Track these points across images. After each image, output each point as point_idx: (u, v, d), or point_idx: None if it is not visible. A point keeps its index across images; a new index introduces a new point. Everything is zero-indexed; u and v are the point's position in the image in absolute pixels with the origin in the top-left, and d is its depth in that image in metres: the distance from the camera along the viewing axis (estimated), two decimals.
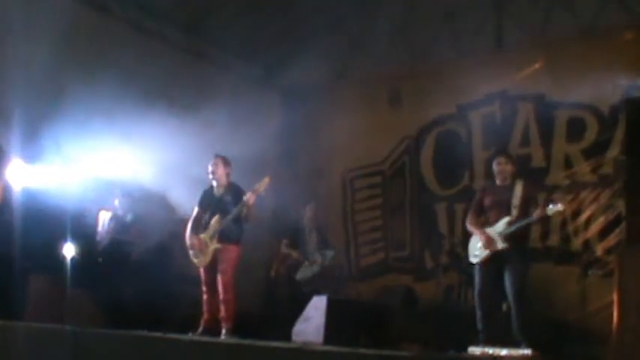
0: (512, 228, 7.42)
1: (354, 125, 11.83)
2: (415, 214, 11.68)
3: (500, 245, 7.42)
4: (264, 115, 12.00)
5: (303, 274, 9.76)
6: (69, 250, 9.21)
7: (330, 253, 9.76)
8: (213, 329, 8.08)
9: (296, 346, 6.32)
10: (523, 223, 7.42)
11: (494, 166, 7.73)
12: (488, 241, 7.51)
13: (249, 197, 7.98)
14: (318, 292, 8.71)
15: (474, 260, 7.67)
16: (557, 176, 10.16)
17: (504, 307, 8.17)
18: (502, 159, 7.74)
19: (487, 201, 7.71)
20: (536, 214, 7.38)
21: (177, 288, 9.81)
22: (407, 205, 11.82)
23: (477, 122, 11.25)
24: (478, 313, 7.52)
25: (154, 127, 9.32)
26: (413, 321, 9.28)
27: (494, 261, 7.50)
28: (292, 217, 11.30)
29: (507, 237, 7.44)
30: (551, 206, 7.32)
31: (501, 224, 7.48)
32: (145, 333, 6.96)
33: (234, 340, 7.15)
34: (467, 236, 9.79)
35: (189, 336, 7.48)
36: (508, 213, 7.49)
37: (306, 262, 9.80)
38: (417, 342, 8.45)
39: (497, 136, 10.86)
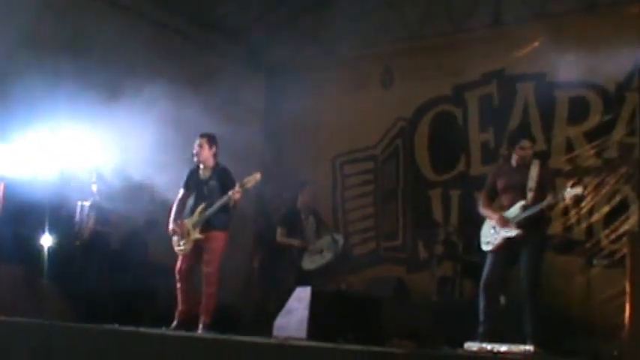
0: (527, 213, 7.27)
1: (344, 107, 11.89)
2: (408, 201, 11.65)
3: (514, 232, 7.28)
4: (247, 96, 11.98)
5: (313, 263, 9.55)
6: (46, 241, 9.15)
7: (340, 240, 9.61)
8: (188, 323, 8.00)
9: (277, 342, 6.29)
10: (538, 207, 7.26)
11: (517, 150, 7.50)
12: (503, 222, 7.35)
13: (234, 193, 7.90)
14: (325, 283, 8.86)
15: (485, 247, 7.54)
16: (559, 160, 9.95)
17: (502, 299, 8.18)
18: (527, 143, 7.54)
19: (500, 183, 7.57)
20: (550, 198, 7.24)
21: (156, 280, 9.73)
22: (399, 191, 11.79)
23: (474, 104, 11.16)
24: (481, 304, 7.39)
25: (132, 110, 9.26)
26: (405, 315, 9.19)
27: (508, 249, 7.37)
28: (279, 203, 11.31)
29: (521, 223, 7.30)
30: (568, 189, 7.18)
31: (515, 209, 7.35)
32: (115, 327, 6.92)
33: (210, 335, 7.05)
34: (463, 225, 10.19)
35: (163, 330, 7.43)
36: (523, 197, 7.35)
37: (311, 251, 9.61)
38: (409, 337, 8.35)
39: (495, 118, 10.82)
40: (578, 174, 9.68)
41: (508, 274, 7.49)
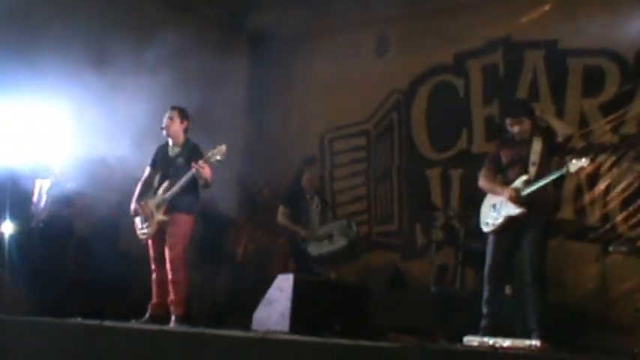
0: (530, 188, 7.13)
1: (334, 77, 11.86)
2: (404, 181, 11.59)
3: (516, 210, 7.15)
4: (229, 65, 11.73)
5: (322, 248, 9.24)
6: (7, 228, 9.02)
7: (355, 226, 9.36)
8: (162, 316, 7.96)
9: (256, 336, 6.23)
10: (542, 182, 7.11)
11: (509, 126, 7.48)
12: (514, 197, 7.17)
13: (197, 169, 7.79)
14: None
15: (485, 229, 7.43)
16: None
17: (508, 290, 8.21)
18: (510, 121, 7.47)
19: (505, 157, 7.47)
20: (555, 172, 7.14)
21: (128, 269, 9.75)
22: (394, 171, 11.75)
23: (477, 74, 11.10)
24: (485, 293, 7.26)
25: (101, 79, 9.25)
26: (399, 307, 9.12)
27: (510, 231, 7.24)
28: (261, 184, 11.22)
29: (525, 200, 7.15)
30: (574, 161, 7.01)
31: (518, 184, 7.23)
32: (78, 321, 6.94)
33: (183, 329, 6.99)
34: (464, 208, 10.06)
35: (132, 324, 7.48)
36: (526, 171, 7.24)
37: (313, 237, 9.33)
38: (403, 331, 8.24)
39: (501, 89, 10.76)
40: (592, 151, 9.46)
41: (512, 260, 7.36)
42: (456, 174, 11.03)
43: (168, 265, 7.93)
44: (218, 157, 7.84)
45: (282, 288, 7.81)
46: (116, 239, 10.17)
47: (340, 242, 9.10)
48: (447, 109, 11.29)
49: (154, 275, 8.14)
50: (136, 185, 8.53)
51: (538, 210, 7.16)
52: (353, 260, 9.69)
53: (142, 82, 9.32)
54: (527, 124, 7.35)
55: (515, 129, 7.37)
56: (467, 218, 9.82)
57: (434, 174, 11.31)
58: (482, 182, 7.59)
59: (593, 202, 9.82)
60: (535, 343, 6.63)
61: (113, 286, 9.49)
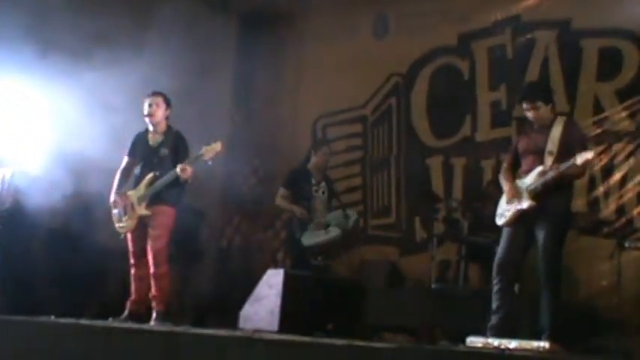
0: (543, 180, 7.06)
1: (329, 60, 11.90)
2: (403, 170, 11.56)
3: (526, 204, 7.11)
4: (217, 46, 12.00)
5: (313, 239, 9.14)
6: None
7: (353, 215, 9.25)
8: (142, 314, 8.05)
9: (243, 335, 6.32)
10: (549, 175, 7.01)
11: (525, 112, 7.41)
12: (513, 192, 7.22)
13: (182, 171, 7.82)
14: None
15: (499, 221, 7.38)
16: (584, 123, 9.61)
17: (516, 288, 7.99)
18: (526, 105, 7.32)
19: (521, 146, 7.41)
20: (563, 165, 6.96)
21: (105, 264, 9.74)
22: (392, 159, 11.72)
23: (483, 56, 11.02)
24: (494, 288, 7.17)
25: (79, 60, 9.23)
26: (398, 305, 9.11)
27: (523, 225, 7.18)
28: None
29: (538, 192, 7.07)
30: (581, 153, 6.87)
31: (532, 176, 7.16)
32: (52, 320, 7.01)
33: (163, 328, 6.98)
34: (468, 199, 10.25)
35: (110, 322, 7.55)
36: (541, 161, 7.16)
37: (316, 224, 9.22)
38: (402, 331, 8.34)
39: (508, 73, 10.67)
40: (607, 139, 9.65)
41: (525, 256, 7.28)
42: (458, 163, 10.97)
43: (150, 259, 7.97)
44: (211, 155, 7.86)
45: (271, 284, 7.77)
46: (90, 231, 10.01)
47: (333, 233, 9.00)
48: (449, 93, 11.19)
49: (132, 270, 8.16)
50: (111, 175, 8.59)
51: (553, 203, 7.07)
52: (344, 253, 9.56)
53: (125, 65, 9.30)
54: (544, 109, 7.23)
55: (531, 115, 7.26)
56: (470, 210, 9.83)
57: (435, 163, 11.25)
58: (502, 174, 7.54)
59: (607, 193, 9.74)
60: (544, 344, 6.54)
61: (88, 282, 9.49)
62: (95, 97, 9.29)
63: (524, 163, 7.30)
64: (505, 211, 7.28)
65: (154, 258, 7.95)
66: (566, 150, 7.04)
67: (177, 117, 8.41)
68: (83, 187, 9.71)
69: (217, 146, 7.86)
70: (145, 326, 7.28)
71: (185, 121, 8.43)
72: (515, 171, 7.41)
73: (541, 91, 7.50)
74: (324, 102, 12.23)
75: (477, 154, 10.70)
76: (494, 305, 7.13)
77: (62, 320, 6.82)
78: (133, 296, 8.11)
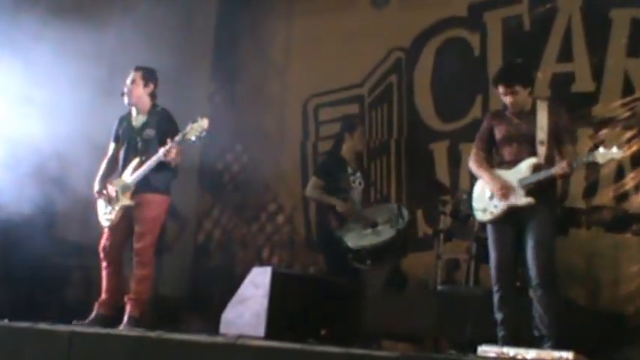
0: (539, 176, 7.08)
1: (321, 32, 11.93)
2: (404, 157, 11.53)
3: (522, 200, 7.10)
4: (195, 16, 12.23)
5: (365, 240, 8.95)
6: None
7: (406, 213, 9.12)
8: (111, 317, 8.05)
9: (225, 341, 6.39)
10: (555, 172, 7.02)
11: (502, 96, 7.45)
12: (505, 191, 7.19)
13: (167, 152, 7.83)
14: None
15: (482, 217, 7.44)
16: (611, 105, 9.82)
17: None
18: (502, 89, 7.34)
19: (499, 132, 7.40)
20: (564, 165, 6.96)
21: (67, 260, 9.93)
22: (393, 144, 11.68)
23: (496, 28, 10.97)
24: (496, 296, 7.21)
25: (46, 37, 9.44)
26: (399, 308, 9.02)
27: (514, 219, 7.20)
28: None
29: (531, 188, 7.10)
30: (601, 150, 6.93)
31: (524, 168, 7.16)
32: (5, 323, 7.14)
33: (136, 332, 7.10)
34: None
35: (74, 325, 7.48)
36: (531, 151, 7.17)
37: (355, 220, 9.06)
38: (403, 338, 8.40)
39: (525, 47, 10.58)
40: (638, 123, 9.59)
41: (519, 254, 7.32)
42: (467, 149, 10.38)
43: (135, 258, 7.98)
44: (198, 134, 7.84)
45: (257, 283, 7.73)
46: (52, 223, 10.23)
47: (386, 233, 8.80)
48: (458, 70, 11.10)
49: (104, 269, 8.17)
50: (74, 163, 8.94)
51: (544, 197, 7.13)
52: (400, 258, 9.49)
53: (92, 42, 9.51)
54: (522, 94, 7.25)
55: (508, 100, 7.27)
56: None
57: (440, 148, 11.23)
58: (471, 163, 7.56)
59: (638, 186, 9.72)
60: (567, 355, 6.52)
61: (47, 280, 9.60)
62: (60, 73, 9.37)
63: (506, 152, 7.31)
64: (490, 206, 7.28)
65: (139, 257, 7.97)
66: (556, 138, 7.16)
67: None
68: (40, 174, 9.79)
69: (204, 123, 7.84)
70: (113, 331, 7.29)
71: (160, 99, 8.44)
72: (489, 158, 7.47)
73: (519, 73, 7.48)
74: (315, 80, 12.19)
75: None
76: (499, 316, 7.15)
77: (18, 324, 6.87)
78: (102, 296, 8.11)
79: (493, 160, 7.53)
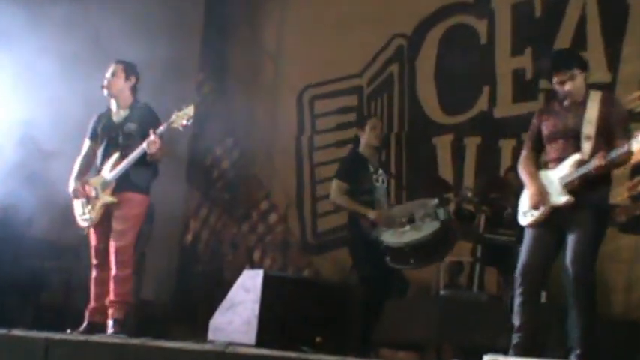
0: (582, 171, 6.90)
1: (318, 17, 12.08)
2: (405, 152, 11.60)
3: (561, 199, 6.94)
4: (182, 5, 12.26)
5: (405, 236, 8.74)
6: None
7: (443, 211, 8.97)
8: (104, 324, 8.02)
9: (214, 349, 6.34)
10: (592, 166, 6.83)
11: (554, 85, 7.19)
12: (536, 198, 7.06)
13: (149, 144, 7.81)
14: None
15: (522, 221, 7.23)
16: (629, 97, 9.36)
17: (542, 296, 8.00)
18: (561, 75, 7.10)
19: (546, 128, 7.20)
20: (613, 153, 6.79)
21: (43, 260, 9.90)
22: (393, 139, 11.73)
23: (505, 14, 10.97)
24: (517, 300, 7.04)
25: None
26: (399, 314, 8.92)
27: (555, 224, 7.02)
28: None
29: (575, 186, 6.94)
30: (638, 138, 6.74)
31: (567, 166, 7.00)
32: None
33: (117, 340, 7.07)
34: (484, 187, 10.01)
35: (68, 335, 7.49)
36: (577, 147, 6.95)
37: (387, 219, 8.92)
38: (404, 347, 8.47)
39: (536, 34, 10.62)
40: None
41: (553, 260, 7.18)
42: (472, 143, 10.95)
43: (112, 257, 7.98)
44: (184, 122, 7.88)
45: (247, 287, 7.74)
46: (29, 223, 10.20)
47: (428, 227, 8.60)
48: (463, 59, 11.03)
49: (94, 273, 8.14)
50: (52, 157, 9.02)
51: (591, 198, 6.97)
52: (447, 252, 9.16)
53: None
54: (580, 79, 7.09)
55: (567, 87, 7.07)
56: (487, 202, 9.69)
57: (444, 143, 11.24)
58: (521, 166, 7.43)
59: None
60: None
61: (22, 283, 9.58)
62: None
63: (552, 150, 7.18)
64: (529, 210, 7.19)
65: (117, 256, 7.95)
66: (606, 133, 6.93)
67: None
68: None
69: (189, 110, 7.90)
70: (93, 338, 7.21)
71: (141, 92, 8.47)
72: (536, 160, 7.34)
73: (576, 57, 7.36)
74: (311, 69, 12.28)
75: (494, 133, 10.62)
76: (517, 321, 7.03)
77: None
78: (92, 303, 8.10)
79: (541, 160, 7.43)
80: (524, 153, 7.38)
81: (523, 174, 7.27)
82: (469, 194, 9.99)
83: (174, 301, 10.99)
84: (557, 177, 7.00)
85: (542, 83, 10.07)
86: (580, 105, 7.02)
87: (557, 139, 7.09)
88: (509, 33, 10.91)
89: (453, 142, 11.16)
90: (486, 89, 10.93)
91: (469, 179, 10.80)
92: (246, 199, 11.70)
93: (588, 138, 6.90)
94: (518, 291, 7.07)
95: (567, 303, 6.93)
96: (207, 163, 12.30)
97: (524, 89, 10.58)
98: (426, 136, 11.37)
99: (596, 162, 6.72)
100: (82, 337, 7.08)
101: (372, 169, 9.08)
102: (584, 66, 7.13)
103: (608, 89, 7.40)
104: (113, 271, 7.96)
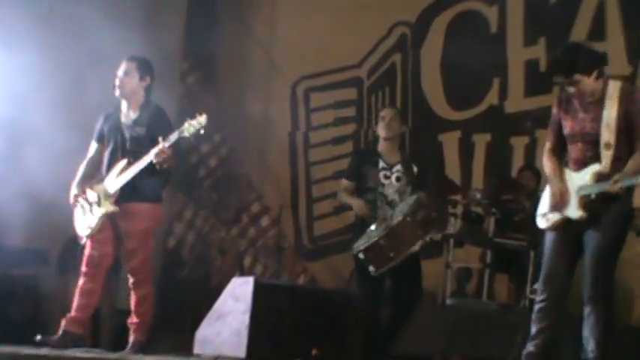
0: (594, 190, 6.84)
1: (313, 3, 12.12)
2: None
3: (576, 213, 6.88)
4: None
5: (365, 239, 8.69)
6: None
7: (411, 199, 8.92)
8: (81, 337, 8.03)
9: None
10: (614, 187, 6.72)
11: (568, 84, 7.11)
12: (557, 198, 7.00)
13: (157, 154, 7.68)
14: None
15: (540, 223, 7.20)
16: None
17: None
18: (561, 79, 7.07)
19: (565, 127, 7.13)
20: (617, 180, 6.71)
21: (6, 270, 9.86)
22: None
23: (517, 1, 11.02)
24: (537, 306, 7.04)
25: None
26: (403, 326, 8.76)
27: (574, 228, 6.99)
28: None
29: (591, 201, 6.87)
30: None
31: (586, 175, 6.91)
32: None
33: (93, 354, 7.25)
34: (494, 187, 10.12)
35: (39, 341, 7.59)
36: (596, 153, 6.85)
37: (379, 219, 8.83)
38: (408, 358, 8.29)
39: (550, 22, 10.63)
40: None
41: (576, 266, 7.14)
42: (481, 140, 11.00)
43: (130, 278, 8.01)
44: (194, 131, 7.74)
45: (237, 296, 7.72)
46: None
47: (399, 211, 8.52)
48: (472, 50, 10.88)
49: (82, 281, 8.07)
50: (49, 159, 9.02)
51: (613, 206, 6.90)
52: (433, 226, 8.78)
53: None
54: (587, 81, 6.92)
55: (572, 90, 6.98)
56: (497, 203, 9.69)
57: (450, 139, 11.31)
58: (544, 160, 7.35)
59: None
60: None
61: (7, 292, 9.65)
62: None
63: (572, 149, 7.08)
64: (548, 214, 7.16)
65: (134, 277, 7.97)
66: (627, 136, 6.84)
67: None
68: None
69: (202, 119, 7.75)
70: (65, 353, 7.28)
71: None
72: (562, 153, 7.21)
73: (576, 59, 7.05)
74: (306, 59, 12.25)
75: (505, 130, 10.66)
76: (535, 328, 7.01)
77: None
78: (73, 313, 8.00)
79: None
80: (547, 145, 7.28)
81: (546, 169, 7.23)
82: (478, 196, 10.00)
83: (156, 310, 10.94)
84: (577, 185, 6.93)
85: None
86: (598, 103, 6.89)
87: (575, 141, 7.00)
88: (521, 21, 10.91)
89: (461, 139, 11.19)
90: (497, 82, 10.96)
91: (478, 179, 10.86)
92: (236, 201, 11.71)
93: (607, 146, 6.81)
94: (540, 298, 7.07)
95: (583, 312, 6.89)
96: (193, 160, 12.21)
97: (537, 82, 10.53)
98: (432, 132, 11.39)
99: (615, 187, 6.65)
100: (53, 353, 7.11)
101: (382, 165, 9.00)
102: (590, 67, 6.89)
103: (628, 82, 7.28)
104: (133, 291, 8.02)
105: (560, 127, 7.13)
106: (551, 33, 10.51)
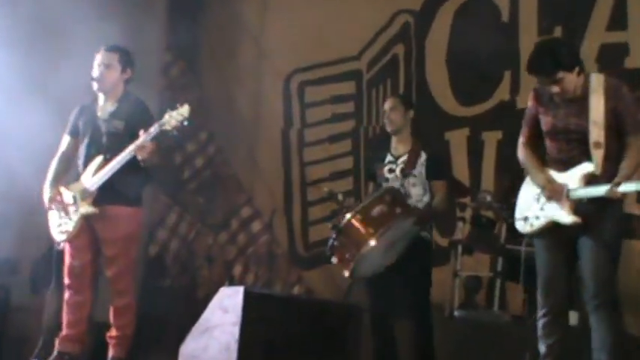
0: (588, 193, 6.83)
1: None
2: None
3: (567, 218, 6.88)
4: None
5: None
6: None
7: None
8: (77, 355, 8.10)
9: None
10: (606, 194, 6.73)
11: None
12: (554, 192, 6.96)
13: (138, 148, 7.70)
14: None
15: (522, 228, 7.30)
16: None
17: (574, 318, 8.34)
18: (542, 81, 7.07)
19: (544, 124, 7.16)
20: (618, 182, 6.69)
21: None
22: None
23: None
24: (541, 321, 7.06)
25: None
26: (408, 338, 8.57)
27: (563, 233, 7.00)
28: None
29: (584, 204, 6.88)
30: None
31: (577, 175, 6.91)
32: None
33: None
34: (506, 189, 10.08)
35: None
36: (584, 152, 6.87)
37: None
38: None
39: (566, 9, 10.59)
40: None
41: (573, 273, 7.19)
42: (491, 138, 10.97)
43: (110, 286, 8.04)
44: (177, 124, 7.72)
45: (226, 307, 7.73)
46: None
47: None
48: (481, 40, 10.87)
49: (67, 295, 8.12)
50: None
51: (607, 209, 6.91)
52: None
53: None
54: (571, 78, 6.94)
55: (554, 90, 6.97)
56: (509, 206, 9.27)
57: (458, 137, 11.30)
58: (521, 155, 7.40)
59: None
60: None
61: None
62: None
63: (553, 148, 7.11)
64: (532, 216, 7.18)
65: (113, 286, 7.98)
66: (617, 133, 6.87)
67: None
68: None
69: (184, 110, 7.76)
70: None
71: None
72: (537, 149, 7.26)
73: (557, 56, 7.08)
74: (300, 50, 12.37)
75: (518, 127, 10.40)
76: (543, 346, 7.05)
77: None
78: (65, 331, 8.05)
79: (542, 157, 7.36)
80: (521, 139, 7.34)
81: (526, 163, 7.29)
82: (488, 198, 10.01)
83: (137, 323, 10.93)
84: (564, 186, 6.95)
85: None
86: (581, 99, 6.94)
87: (558, 139, 7.07)
88: (534, 9, 10.88)
89: (470, 137, 11.20)
90: (508, 75, 10.94)
91: (488, 181, 10.85)
92: (224, 204, 11.77)
93: (597, 145, 6.87)
94: (542, 312, 7.07)
95: (590, 323, 6.96)
96: (177, 161, 12.30)
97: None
98: (438, 130, 11.31)
99: (617, 194, 6.64)
100: None
101: (389, 159, 8.84)
102: (572, 64, 6.93)
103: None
104: (114, 302, 8.04)
105: (536, 122, 7.26)
106: (567, 21, 10.48)
